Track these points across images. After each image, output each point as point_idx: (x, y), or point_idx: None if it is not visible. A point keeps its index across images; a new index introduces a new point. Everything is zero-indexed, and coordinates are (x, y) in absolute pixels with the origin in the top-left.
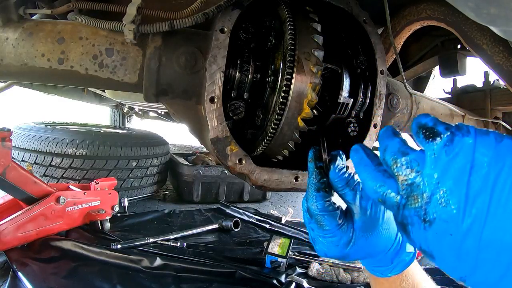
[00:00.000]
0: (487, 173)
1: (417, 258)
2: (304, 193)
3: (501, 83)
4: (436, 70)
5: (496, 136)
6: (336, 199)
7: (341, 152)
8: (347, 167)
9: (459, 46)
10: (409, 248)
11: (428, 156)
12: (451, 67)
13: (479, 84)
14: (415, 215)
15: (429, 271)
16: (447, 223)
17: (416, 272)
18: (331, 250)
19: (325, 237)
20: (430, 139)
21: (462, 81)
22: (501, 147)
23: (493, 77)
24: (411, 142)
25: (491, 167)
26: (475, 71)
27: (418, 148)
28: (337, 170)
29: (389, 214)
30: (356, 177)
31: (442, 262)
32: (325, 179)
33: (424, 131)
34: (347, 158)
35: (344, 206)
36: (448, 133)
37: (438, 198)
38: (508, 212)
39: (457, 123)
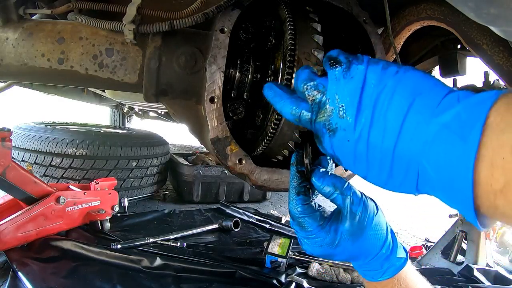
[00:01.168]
0: (372, 91)
1: (416, 258)
2: None
3: (501, 83)
4: (436, 70)
5: (384, 64)
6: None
7: (327, 158)
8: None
9: (459, 46)
10: (400, 253)
11: (330, 80)
12: (451, 67)
13: (479, 84)
14: (323, 127)
15: (428, 271)
16: (345, 131)
17: (409, 275)
18: (315, 250)
19: (309, 238)
20: (333, 67)
21: (462, 81)
22: (386, 72)
23: (493, 77)
24: None
25: (376, 87)
26: (475, 71)
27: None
28: (320, 176)
29: (377, 220)
30: (347, 183)
31: (346, 164)
32: (305, 183)
33: (329, 60)
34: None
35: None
36: (347, 61)
37: (338, 111)
38: (386, 121)
39: (356, 54)
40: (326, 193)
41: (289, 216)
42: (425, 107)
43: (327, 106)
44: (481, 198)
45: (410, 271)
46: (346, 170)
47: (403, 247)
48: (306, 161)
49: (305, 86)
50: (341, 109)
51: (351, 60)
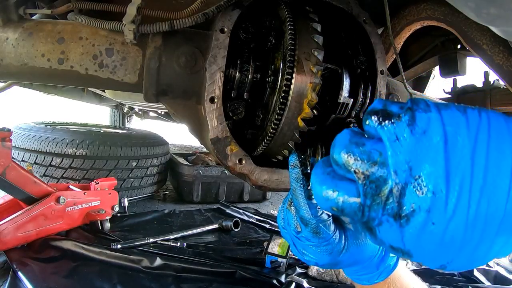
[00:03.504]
0: (462, 145)
1: None
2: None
3: (501, 83)
4: (436, 70)
5: (458, 107)
6: None
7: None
8: None
9: (459, 46)
10: None
11: (389, 142)
12: (451, 67)
13: (479, 84)
14: (385, 214)
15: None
16: (429, 212)
17: (403, 275)
18: (323, 259)
19: (319, 245)
20: (386, 122)
21: (462, 81)
22: (468, 117)
23: (493, 77)
24: None
25: (465, 139)
26: (475, 71)
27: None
28: None
29: None
30: None
31: (421, 256)
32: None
33: (375, 115)
34: None
35: None
36: (407, 111)
37: (414, 187)
38: (488, 181)
39: (409, 98)
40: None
41: (296, 224)
42: None
43: (392, 182)
44: None
45: (402, 270)
46: None
47: None
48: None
49: (349, 157)
50: (418, 181)
51: (411, 107)
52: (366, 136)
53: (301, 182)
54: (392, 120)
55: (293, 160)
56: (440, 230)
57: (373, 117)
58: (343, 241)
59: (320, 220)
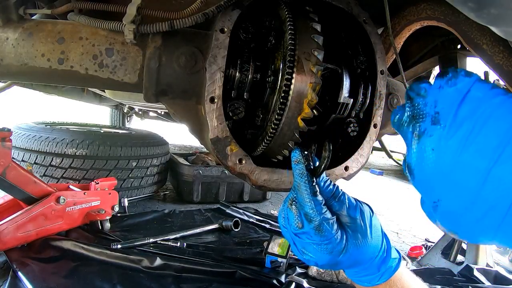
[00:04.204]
0: (475, 104)
1: (416, 258)
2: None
3: (501, 83)
4: (436, 70)
5: (493, 84)
6: None
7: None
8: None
9: (459, 46)
10: (394, 254)
11: (434, 86)
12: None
13: None
14: (411, 130)
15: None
16: (431, 137)
17: (404, 276)
18: (323, 258)
19: (321, 244)
20: (441, 76)
21: None
22: (493, 90)
23: (493, 77)
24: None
25: (480, 101)
26: (475, 71)
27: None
28: (323, 182)
29: (374, 222)
30: (340, 188)
31: (420, 179)
32: (315, 183)
33: (440, 73)
34: (346, 158)
35: None
36: (455, 72)
37: (431, 117)
38: (486, 139)
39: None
40: (328, 197)
41: (297, 222)
42: None
43: (423, 109)
44: None
45: (404, 271)
46: (346, 169)
47: (395, 248)
48: (326, 157)
49: (409, 91)
50: (435, 115)
51: (459, 71)
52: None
53: (306, 178)
54: (444, 76)
55: (296, 155)
56: (434, 156)
57: (439, 74)
58: (344, 242)
59: (324, 217)
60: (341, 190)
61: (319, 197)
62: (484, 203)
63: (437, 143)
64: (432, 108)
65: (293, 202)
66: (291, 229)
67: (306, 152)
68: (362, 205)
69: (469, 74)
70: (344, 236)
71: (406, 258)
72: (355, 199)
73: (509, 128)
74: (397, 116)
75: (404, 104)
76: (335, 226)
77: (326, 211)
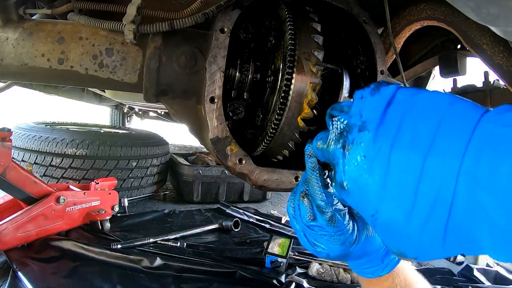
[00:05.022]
0: (400, 105)
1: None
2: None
3: (501, 83)
4: (436, 70)
5: (418, 89)
6: None
7: None
8: None
9: (459, 46)
10: None
11: (355, 99)
12: (451, 67)
13: (479, 84)
14: (340, 148)
15: (428, 271)
16: (361, 145)
17: (406, 268)
18: (335, 250)
19: (333, 235)
20: (361, 89)
21: (462, 81)
22: (418, 93)
23: (493, 77)
24: None
25: (404, 102)
26: (475, 71)
27: None
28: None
29: None
30: None
31: (355, 193)
32: (326, 176)
33: (358, 89)
34: None
35: None
36: (377, 84)
37: (358, 127)
38: (415, 137)
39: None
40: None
41: (310, 214)
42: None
43: (347, 124)
44: None
45: (405, 264)
46: None
47: None
48: None
49: (331, 111)
50: (362, 124)
51: (380, 82)
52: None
53: (318, 172)
54: (364, 88)
55: (310, 149)
56: (368, 163)
57: (359, 89)
58: (355, 232)
59: (336, 209)
60: None
61: (331, 189)
62: (423, 205)
63: (367, 148)
64: (358, 119)
65: (305, 195)
66: (303, 221)
67: None
68: None
69: (391, 83)
70: (356, 227)
71: None
72: None
73: (437, 119)
74: (321, 140)
75: (325, 129)
76: (347, 217)
77: (337, 202)
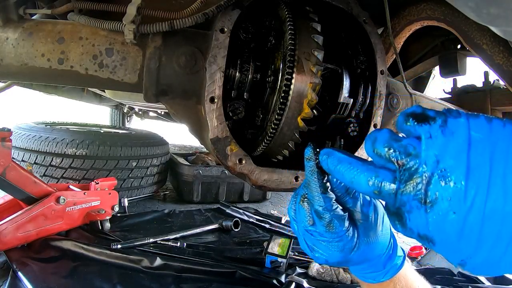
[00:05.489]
0: (484, 148)
1: (416, 258)
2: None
3: (501, 83)
4: (436, 70)
5: (486, 117)
6: None
7: None
8: None
9: (459, 46)
10: (399, 252)
11: (424, 139)
12: (451, 67)
13: (479, 84)
14: (414, 199)
15: (428, 271)
16: (450, 201)
17: (408, 273)
18: (334, 256)
19: (331, 241)
20: (423, 123)
21: (462, 81)
22: (492, 125)
23: (493, 77)
24: None
25: (486, 142)
26: (475, 71)
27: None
28: (335, 178)
29: (386, 219)
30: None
31: (443, 246)
32: (326, 180)
33: (414, 117)
34: None
35: None
36: (441, 115)
37: (439, 177)
38: (507, 182)
39: (444, 108)
40: (338, 197)
41: (309, 219)
42: None
43: (422, 171)
44: None
45: (408, 269)
46: None
47: (400, 246)
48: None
49: (390, 149)
50: (443, 173)
51: (445, 113)
52: (401, 135)
53: (316, 176)
54: (429, 122)
55: (309, 153)
56: (460, 220)
57: (411, 118)
58: (355, 239)
59: (335, 214)
60: None
61: (330, 194)
62: None
63: (457, 205)
64: (435, 166)
65: (305, 199)
66: (303, 225)
67: (318, 150)
68: (375, 201)
69: (453, 111)
70: (356, 233)
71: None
72: None
73: None
74: (385, 185)
75: (381, 168)
76: (347, 223)
77: (337, 207)
